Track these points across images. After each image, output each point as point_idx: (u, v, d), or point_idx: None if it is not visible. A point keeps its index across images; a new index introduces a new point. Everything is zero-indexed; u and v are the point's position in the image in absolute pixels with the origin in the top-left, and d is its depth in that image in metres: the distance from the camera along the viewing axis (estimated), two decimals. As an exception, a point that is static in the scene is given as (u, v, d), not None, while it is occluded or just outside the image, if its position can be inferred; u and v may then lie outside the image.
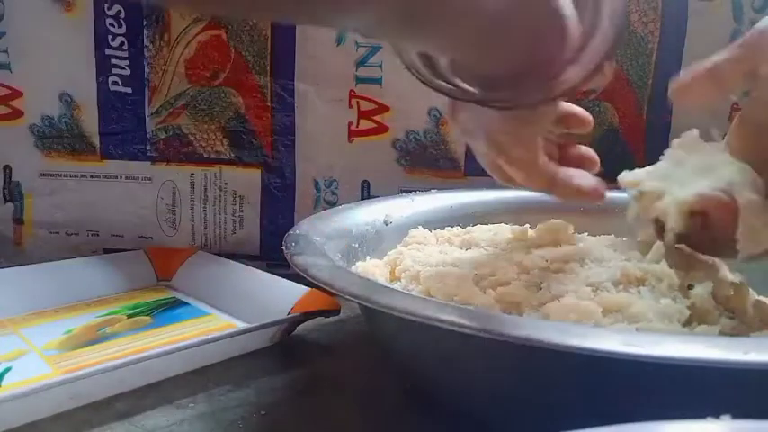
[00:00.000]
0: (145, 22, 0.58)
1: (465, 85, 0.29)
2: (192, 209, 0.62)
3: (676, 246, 0.33)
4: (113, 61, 0.59)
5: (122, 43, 0.58)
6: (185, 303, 0.51)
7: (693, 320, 0.31)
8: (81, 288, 0.51)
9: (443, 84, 0.29)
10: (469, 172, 0.60)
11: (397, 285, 0.37)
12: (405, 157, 0.61)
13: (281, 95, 0.60)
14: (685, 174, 0.32)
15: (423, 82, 0.29)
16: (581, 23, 0.27)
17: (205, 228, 0.62)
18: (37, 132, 0.60)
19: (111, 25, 0.58)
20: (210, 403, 0.35)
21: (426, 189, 0.53)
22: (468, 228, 0.45)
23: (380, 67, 0.58)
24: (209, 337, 0.38)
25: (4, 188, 0.61)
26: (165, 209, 0.61)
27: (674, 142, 0.34)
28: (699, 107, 0.33)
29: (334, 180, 0.61)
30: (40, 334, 0.43)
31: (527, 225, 0.43)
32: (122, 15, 0.58)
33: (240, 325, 0.46)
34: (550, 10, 0.25)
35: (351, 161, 0.61)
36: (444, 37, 0.25)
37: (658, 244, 0.34)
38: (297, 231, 0.39)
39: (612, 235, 0.42)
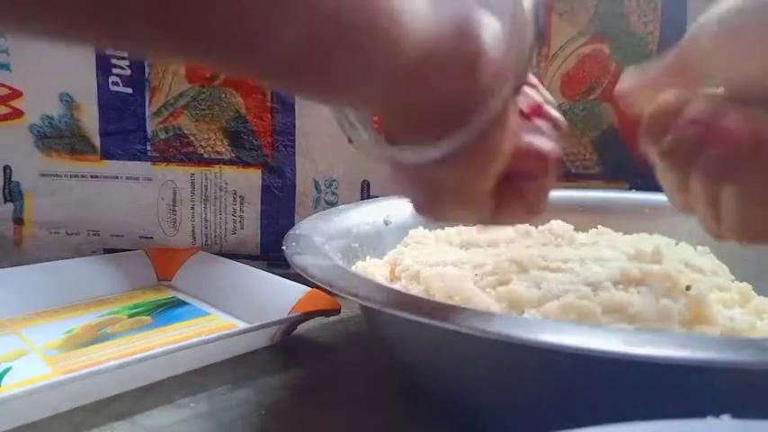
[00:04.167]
0: (145, 22, 0.58)
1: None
2: (192, 209, 0.62)
3: None
4: (113, 61, 0.59)
5: (122, 43, 0.58)
6: (185, 303, 0.51)
7: (693, 320, 0.31)
8: (81, 288, 0.51)
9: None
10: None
11: (397, 285, 0.37)
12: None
13: (281, 95, 0.60)
14: None
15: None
16: None
17: (205, 228, 0.62)
18: (37, 132, 0.60)
19: (112, 25, 0.58)
20: (210, 403, 0.35)
21: (426, 189, 0.53)
22: (467, 227, 0.45)
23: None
24: (209, 337, 0.38)
25: (4, 188, 0.61)
26: (166, 209, 0.61)
27: None
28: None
29: (334, 180, 0.61)
30: (40, 334, 0.43)
31: (527, 225, 0.43)
32: (122, 15, 0.58)
33: (240, 325, 0.46)
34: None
35: (351, 161, 0.61)
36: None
37: None
38: (297, 231, 0.39)
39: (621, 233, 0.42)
